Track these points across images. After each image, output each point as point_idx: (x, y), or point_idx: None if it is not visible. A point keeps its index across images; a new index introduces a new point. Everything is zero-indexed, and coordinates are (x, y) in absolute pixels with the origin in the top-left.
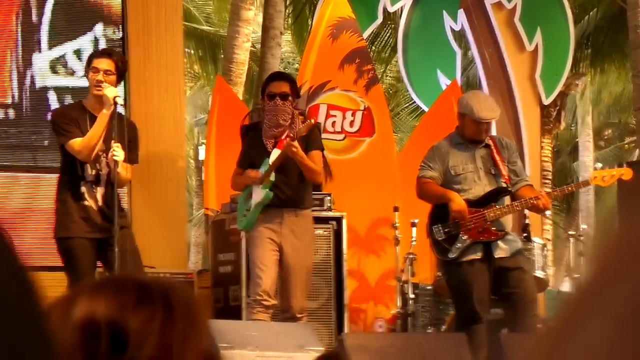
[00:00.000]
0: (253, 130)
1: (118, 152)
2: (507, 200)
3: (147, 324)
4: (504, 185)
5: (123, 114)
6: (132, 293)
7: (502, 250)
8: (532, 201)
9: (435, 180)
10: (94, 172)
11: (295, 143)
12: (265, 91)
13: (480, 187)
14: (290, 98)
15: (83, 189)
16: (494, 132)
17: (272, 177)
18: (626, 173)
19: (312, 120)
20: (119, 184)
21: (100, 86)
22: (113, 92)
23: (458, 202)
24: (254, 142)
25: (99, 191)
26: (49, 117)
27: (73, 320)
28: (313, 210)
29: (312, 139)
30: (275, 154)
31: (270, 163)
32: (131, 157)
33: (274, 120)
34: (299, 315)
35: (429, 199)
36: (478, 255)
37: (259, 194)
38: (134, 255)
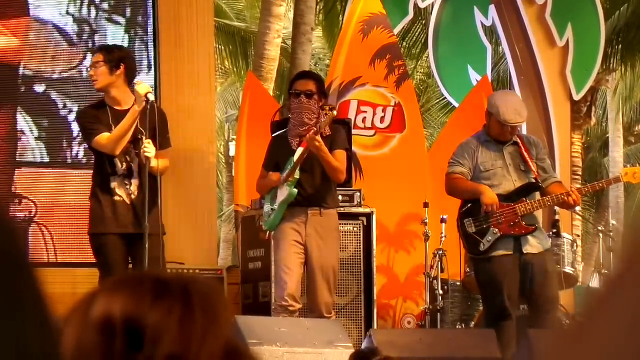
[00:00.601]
0: (279, 131)
1: (149, 148)
2: (537, 195)
3: (165, 319)
4: (534, 180)
5: (154, 106)
6: (149, 288)
7: (531, 247)
8: (562, 197)
9: (465, 176)
10: (124, 165)
11: (318, 137)
12: (290, 89)
13: (510, 182)
14: (315, 96)
15: (113, 184)
16: (524, 130)
17: (297, 175)
18: None
19: (334, 112)
20: (157, 174)
21: (93, 81)
22: (144, 88)
23: (489, 194)
24: (279, 143)
25: (134, 183)
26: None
27: (91, 320)
28: (342, 206)
29: (336, 139)
30: (299, 152)
31: (294, 160)
32: (162, 141)
33: (299, 118)
34: (327, 315)
35: (459, 194)
36: (509, 251)
37: (283, 192)
38: (155, 261)
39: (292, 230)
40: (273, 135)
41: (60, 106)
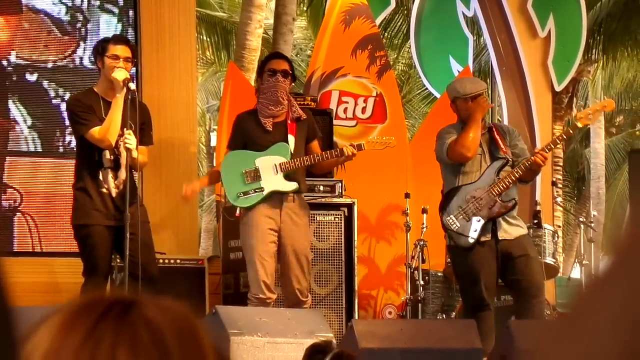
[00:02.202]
0: (244, 113)
1: (130, 139)
2: (506, 171)
3: None
4: (502, 157)
5: (135, 96)
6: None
7: (506, 232)
8: (528, 161)
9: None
10: (112, 157)
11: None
12: (264, 68)
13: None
14: (290, 77)
15: (101, 176)
16: (505, 120)
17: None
18: (608, 104)
19: (355, 149)
20: (135, 168)
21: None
22: (122, 74)
23: (478, 107)
24: (247, 123)
25: (120, 176)
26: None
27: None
28: (324, 197)
29: (315, 128)
30: (292, 141)
31: (293, 152)
32: (146, 139)
33: (274, 97)
34: (303, 299)
35: (467, 146)
36: (487, 237)
37: (279, 182)
38: (147, 249)
39: (266, 217)
40: (238, 115)
41: (53, 95)
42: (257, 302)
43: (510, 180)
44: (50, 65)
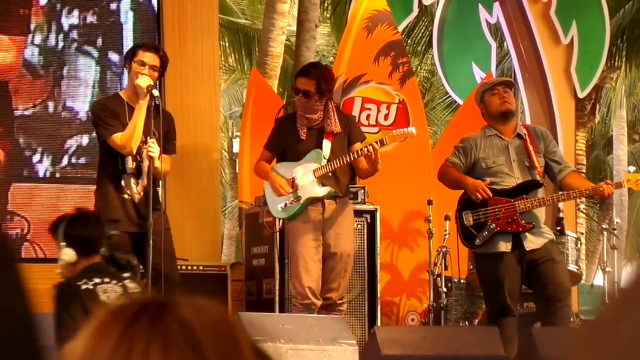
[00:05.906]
0: (285, 117)
1: (153, 147)
2: (539, 193)
3: None
4: (538, 177)
5: (159, 104)
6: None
7: (532, 243)
8: (587, 192)
9: (457, 168)
10: (134, 164)
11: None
12: (293, 83)
13: (512, 179)
14: (315, 96)
15: (123, 182)
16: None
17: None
18: None
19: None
20: (157, 177)
21: (141, 75)
22: (146, 81)
23: (472, 181)
24: (286, 128)
25: (141, 183)
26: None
27: None
28: None
29: (355, 133)
30: (327, 146)
31: (326, 157)
32: (169, 147)
33: (303, 113)
34: (339, 302)
35: (446, 182)
36: (508, 248)
37: (314, 188)
38: (169, 256)
39: (308, 224)
40: (279, 118)
41: (24, 147)
42: (302, 308)
43: (538, 205)
44: (19, 113)
